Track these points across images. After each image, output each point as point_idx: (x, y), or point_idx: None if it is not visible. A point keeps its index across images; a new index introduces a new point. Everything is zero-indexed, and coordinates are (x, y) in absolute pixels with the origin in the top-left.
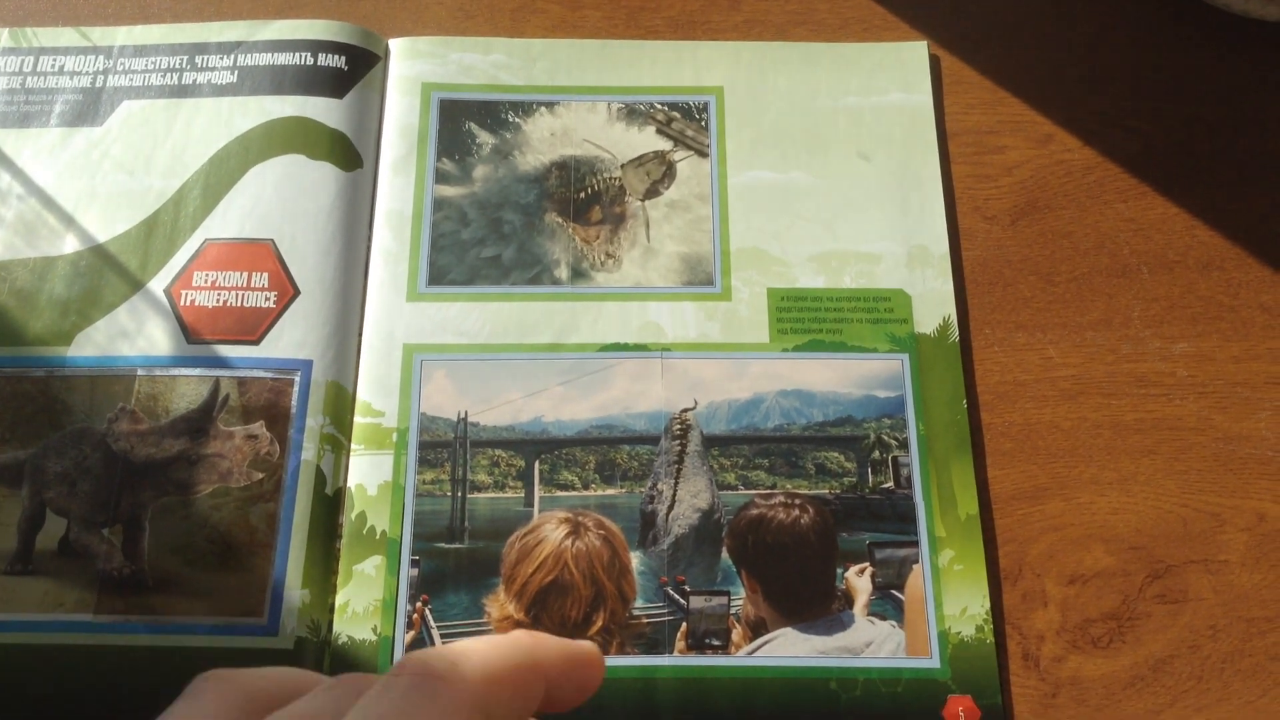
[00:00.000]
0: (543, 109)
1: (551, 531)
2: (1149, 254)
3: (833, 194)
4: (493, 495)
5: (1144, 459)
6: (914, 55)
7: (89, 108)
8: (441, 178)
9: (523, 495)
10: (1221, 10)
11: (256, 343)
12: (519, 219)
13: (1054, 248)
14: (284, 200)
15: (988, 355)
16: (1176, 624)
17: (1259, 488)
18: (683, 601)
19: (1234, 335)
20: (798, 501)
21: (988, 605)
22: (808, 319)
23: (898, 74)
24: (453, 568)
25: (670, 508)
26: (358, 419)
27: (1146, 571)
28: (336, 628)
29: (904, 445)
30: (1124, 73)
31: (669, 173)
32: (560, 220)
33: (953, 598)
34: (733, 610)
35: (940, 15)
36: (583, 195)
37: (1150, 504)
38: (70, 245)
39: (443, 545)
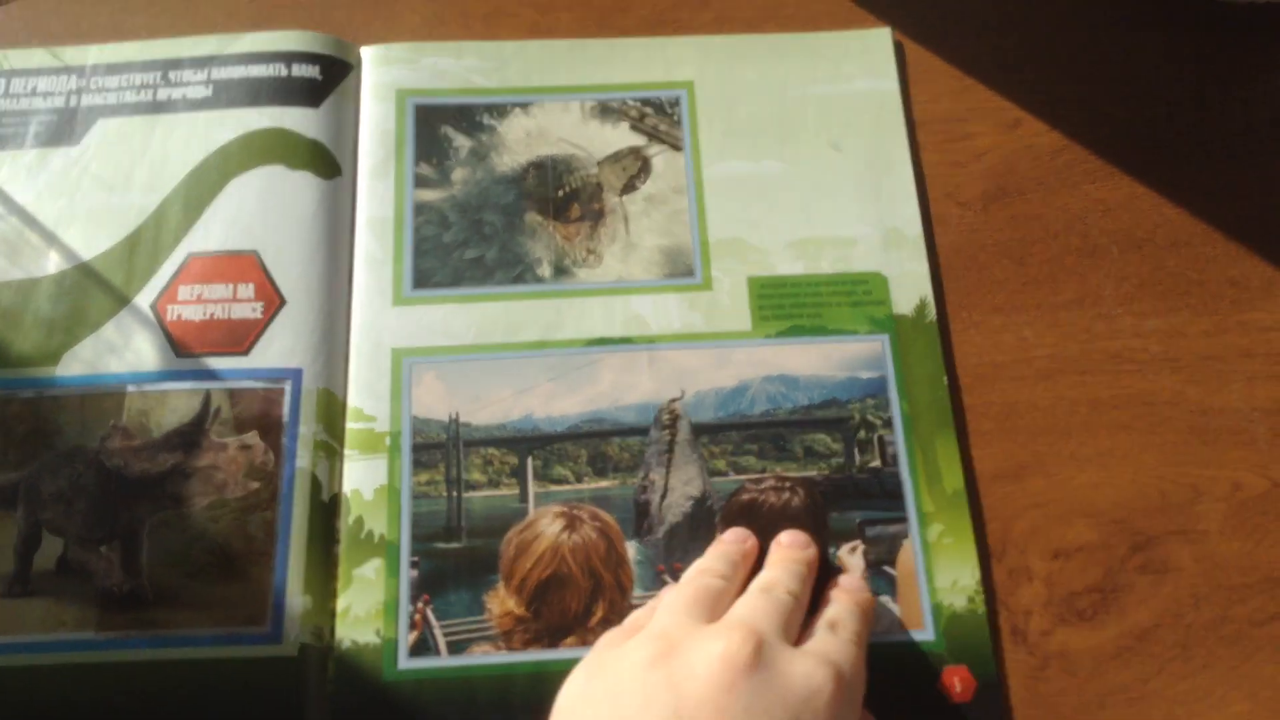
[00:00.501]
0: (517, 110)
1: (547, 526)
2: (1118, 233)
3: (806, 181)
4: (488, 493)
5: (1121, 434)
6: (878, 42)
7: (64, 127)
8: (421, 182)
9: (517, 492)
10: None
11: (245, 353)
12: (499, 219)
13: (1025, 230)
14: (265, 211)
15: (965, 339)
16: (1159, 594)
17: (1234, 457)
18: None
19: (1204, 310)
20: (788, 484)
21: (978, 576)
22: (788, 305)
23: (863, 61)
24: (452, 567)
25: (663, 497)
26: (350, 425)
27: (1128, 544)
28: (339, 632)
29: (889, 424)
30: (1087, 56)
31: (645, 168)
32: (540, 219)
33: (943, 571)
34: None
35: (906, 6)
36: (561, 193)
37: (1129, 478)
38: (54, 264)
39: (441, 545)
